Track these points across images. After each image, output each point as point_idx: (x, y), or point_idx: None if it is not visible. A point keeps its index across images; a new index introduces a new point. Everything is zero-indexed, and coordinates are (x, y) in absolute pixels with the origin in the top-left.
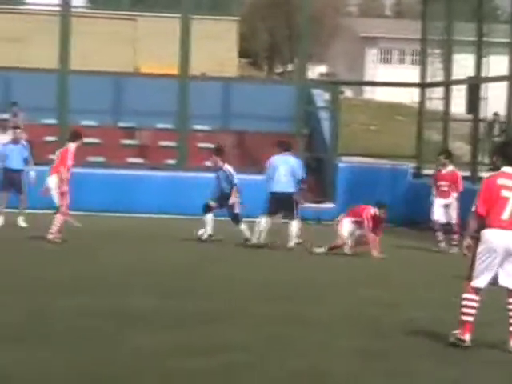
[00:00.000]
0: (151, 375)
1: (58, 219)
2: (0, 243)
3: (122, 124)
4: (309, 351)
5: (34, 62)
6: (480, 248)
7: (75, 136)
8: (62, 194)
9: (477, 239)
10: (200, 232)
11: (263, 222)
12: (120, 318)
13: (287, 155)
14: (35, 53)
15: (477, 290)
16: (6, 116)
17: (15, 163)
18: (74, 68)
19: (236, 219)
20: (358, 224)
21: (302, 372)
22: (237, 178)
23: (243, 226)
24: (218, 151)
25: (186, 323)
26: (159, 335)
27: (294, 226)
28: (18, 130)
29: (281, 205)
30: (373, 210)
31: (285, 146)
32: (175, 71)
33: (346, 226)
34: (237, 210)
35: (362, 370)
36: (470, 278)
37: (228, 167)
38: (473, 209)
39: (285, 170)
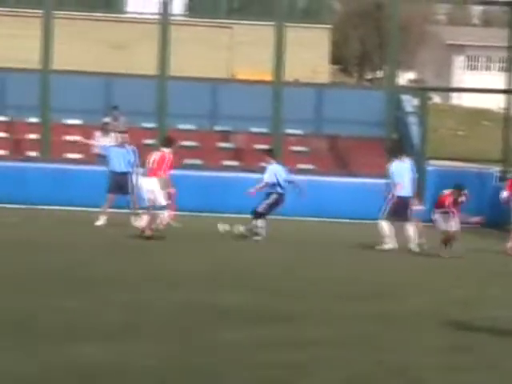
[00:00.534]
0: (240, 367)
1: (165, 217)
2: (103, 242)
3: (218, 128)
4: (395, 347)
5: (135, 68)
6: None
7: (170, 142)
8: (168, 195)
9: None
10: (241, 228)
11: (386, 227)
12: (214, 313)
13: (404, 161)
14: (136, 59)
15: None
16: (107, 119)
17: (120, 166)
18: (173, 74)
19: (255, 212)
20: (445, 214)
21: (388, 367)
22: (276, 177)
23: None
24: (270, 151)
25: (276, 320)
26: (250, 330)
27: (411, 228)
28: (125, 135)
29: (402, 209)
30: (451, 196)
31: (396, 153)
32: (269, 77)
33: (440, 223)
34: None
35: (449, 365)
36: None
37: (270, 166)
38: None
39: (408, 176)
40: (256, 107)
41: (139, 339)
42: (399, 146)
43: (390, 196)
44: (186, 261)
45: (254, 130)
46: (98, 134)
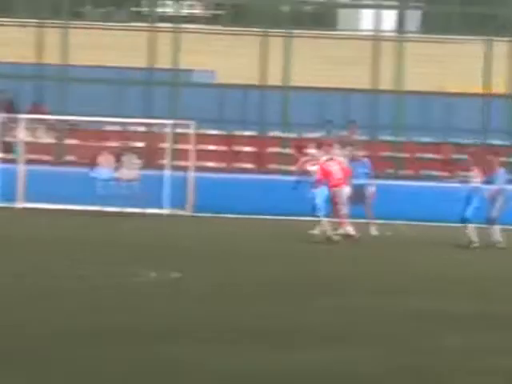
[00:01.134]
0: (462, 373)
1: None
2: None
3: (425, 139)
4: None
5: (372, 84)
6: None
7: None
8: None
9: None
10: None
11: None
12: (439, 319)
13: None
14: (370, 75)
15: None
16: (344, 133)
17: (357, 178)
18: (410, 89)
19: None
20: None
21: None
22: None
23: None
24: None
25: (502, 328)
26: (474, 337)
27: None
28: (351, 148)
29: None
30: None
31: None
32: (479, 90)
33: None
34: (494, 214)
35: None
36: None
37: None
38: None
39: None
40: (466, 119)
41: (358, 344)
42: None
43: None
44: (392, 268)
45: (461, 141)
46: (335, 146)
